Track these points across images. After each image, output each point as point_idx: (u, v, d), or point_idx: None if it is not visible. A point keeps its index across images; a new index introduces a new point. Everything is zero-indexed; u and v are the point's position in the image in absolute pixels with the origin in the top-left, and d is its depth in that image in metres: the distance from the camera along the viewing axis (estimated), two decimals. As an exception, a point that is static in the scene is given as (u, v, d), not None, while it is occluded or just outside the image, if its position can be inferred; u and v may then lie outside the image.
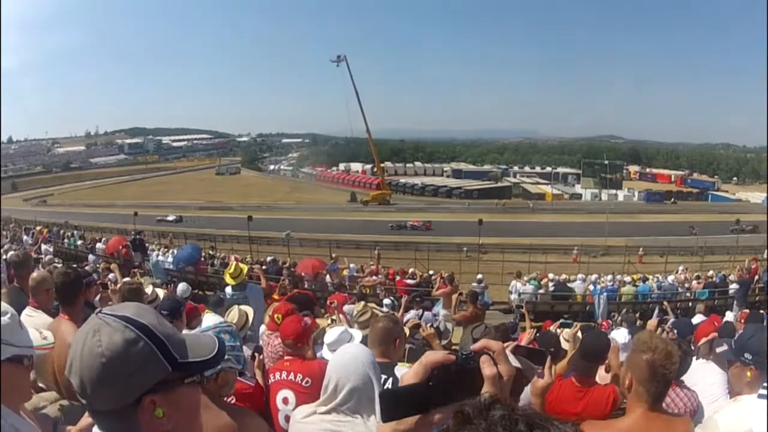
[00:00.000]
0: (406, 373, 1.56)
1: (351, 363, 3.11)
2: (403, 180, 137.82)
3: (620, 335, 7.43)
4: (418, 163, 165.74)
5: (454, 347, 7.88)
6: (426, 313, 13.10)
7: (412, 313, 12.29)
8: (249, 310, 6.71)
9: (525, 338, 5.67)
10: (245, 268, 11.93)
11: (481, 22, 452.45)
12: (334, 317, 8.33)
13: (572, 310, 21.36)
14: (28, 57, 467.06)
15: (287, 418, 4.20)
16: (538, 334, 7.61)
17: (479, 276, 25.05)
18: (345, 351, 3.32)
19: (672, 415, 3.41)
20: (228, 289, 10.86)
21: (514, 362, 2.15)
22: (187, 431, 1.65)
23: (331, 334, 5.30)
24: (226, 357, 3.39)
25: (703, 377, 5.10)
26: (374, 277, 21.90)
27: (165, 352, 1.55)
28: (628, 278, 26.58)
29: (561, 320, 9.76)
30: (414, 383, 1.48)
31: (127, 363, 1.49)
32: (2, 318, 2.32)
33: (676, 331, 8.14)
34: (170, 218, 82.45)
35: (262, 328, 6.99)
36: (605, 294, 22.08)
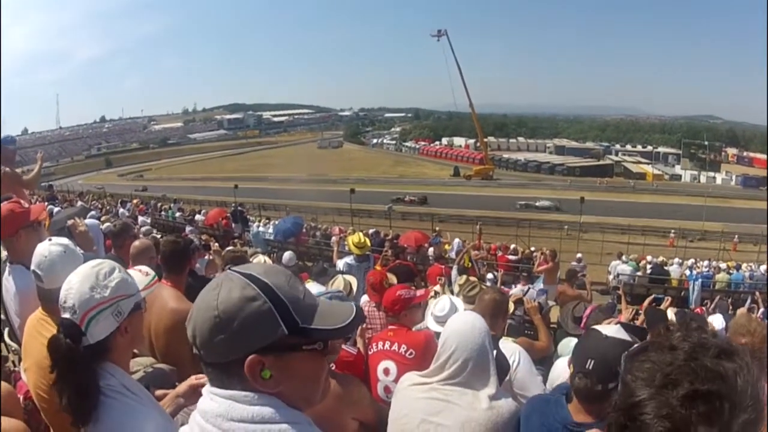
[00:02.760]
0: None
1: (470, 333, 3.05)
2: (506, 155, 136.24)
3: (717, 321, 7.48)
4: (521, 139, 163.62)
5: (552, 325, 7.82)
6: (531, 290, 13.09)
7: (517, 288, 12.26)
8: (352, 280, 6.73)
9: (623, 318, 5.61)
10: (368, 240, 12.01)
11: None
12: (436, 289, 8.27)
13: (667, 295, 20.48)
14: (119, 42, 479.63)
15: (386, 389, 4.24)
16: (640, 313, 7.54)
17: (579, 255, 25.08)
18: (464, 320, 3.22)
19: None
20: (349, 259, 10.87)
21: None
22: (302, 398, 1.60)
23: (439, 307, 5.12)
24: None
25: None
26: (476, 252, 21.79)
27: (284, 315, 1.51)
28: (723, 265, 26.13)
29: (654, 295, 9.65)
30: None
31: (238, 319, 1.47)
32: (114, 274, 2.40)
33: (766, 322, 8.08)
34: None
35: (365, 297, 6.92)
36: (700, 280, 21.65)
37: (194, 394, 2.69)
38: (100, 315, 2.28)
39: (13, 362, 4.67)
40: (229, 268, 1.61)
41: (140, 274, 2.88)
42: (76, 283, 2.31)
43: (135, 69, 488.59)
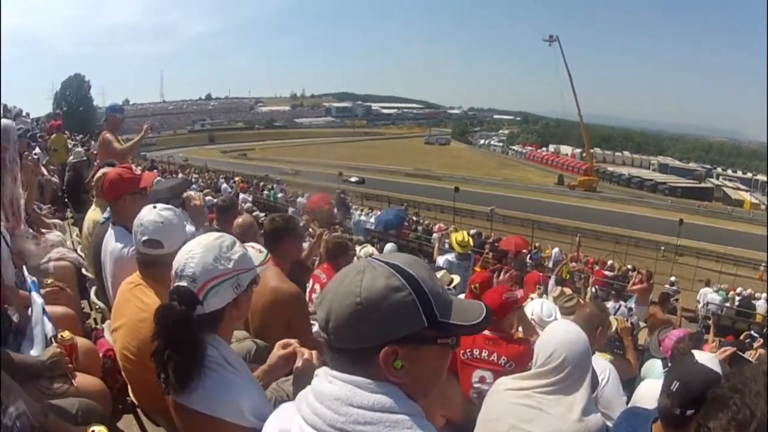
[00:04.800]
0: None
1: (577, 342, 3.05)
2: (610, 168, 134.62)
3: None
4: (626, 153, 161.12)
5: (639, 347, 7.74)
6: (623, 307, 12.92)
7: (609, 305, 12.10)
8: (455, 277, 6.81)
9: (708, 349, 5.50)
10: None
11: (697, 14, 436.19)
12: (533, 296, 7.91)
13: (752, 329, 19.90)
14: (231, 21, 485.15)
15: (479, 394, 4.15)
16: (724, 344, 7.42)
17: (672, 278, 25.10)
18: (568, 330, 3.21)
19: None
20: (450, 256, 10.70)
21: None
22: (422, 391, 1.59)
23: (546, 310, 5.30)
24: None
25: None
26: (573, 264, 21.84)
27: (426, 307, 1.49)
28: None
29: (750, 332, 9.43)
30: None
31: (381, 308, 1.46)
32: (236, 247, 2.47)
33: None
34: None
35: (462, 296, 6.81)
36: (785, 318, 20.86)
37: (285, 366, 2.76)
38: (220, 286, 2.33)
39: (95, 319, 4.76)
40: (370, 256, 1.63)
41: (254, 251, 2.94)
42: (199, 254, 2.35)
43: (245, 49, 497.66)
